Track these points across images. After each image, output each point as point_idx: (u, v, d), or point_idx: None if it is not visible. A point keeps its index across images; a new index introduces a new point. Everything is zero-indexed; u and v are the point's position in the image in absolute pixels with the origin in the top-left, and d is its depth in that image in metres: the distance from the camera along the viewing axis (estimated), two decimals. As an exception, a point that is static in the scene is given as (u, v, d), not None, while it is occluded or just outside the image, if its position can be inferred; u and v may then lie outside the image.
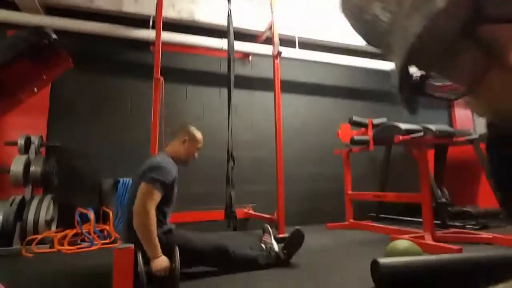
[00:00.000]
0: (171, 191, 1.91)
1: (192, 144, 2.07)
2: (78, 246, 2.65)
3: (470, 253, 1.81)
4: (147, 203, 1.70)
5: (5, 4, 3.32)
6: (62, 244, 2.61)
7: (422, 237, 2.67)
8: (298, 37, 4.34)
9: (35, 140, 3.06)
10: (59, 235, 2.69)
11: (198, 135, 2.12)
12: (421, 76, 0.42)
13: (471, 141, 3.69)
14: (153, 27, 3.51)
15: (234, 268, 1.98)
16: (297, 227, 2.23)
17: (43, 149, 3.26)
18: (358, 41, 4.67)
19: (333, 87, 4.76)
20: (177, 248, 1.73)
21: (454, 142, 3.39)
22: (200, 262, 1.98)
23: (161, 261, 1.69)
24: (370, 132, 3.55)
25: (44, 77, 3.24)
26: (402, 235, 2.81)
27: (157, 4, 3.09)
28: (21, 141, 2.98)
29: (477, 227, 3.30)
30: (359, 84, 4.94)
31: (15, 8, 3.34)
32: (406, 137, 2.94)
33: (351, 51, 4.75)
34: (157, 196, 1.75)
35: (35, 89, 3.23)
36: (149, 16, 3.67)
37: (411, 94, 0.41)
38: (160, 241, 1.76)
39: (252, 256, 2.08)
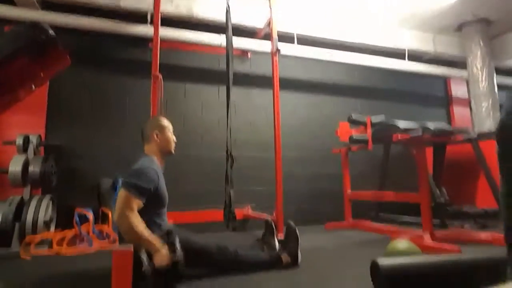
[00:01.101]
0: (156, 193, 1.88)
1: (164, 132, 2.07)
2: (77, 247, 2.63)
3: (469, 253, 1.82)
4: (124, 210, 1.67)
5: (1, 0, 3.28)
6: (61, 245, 2.60)
7: (421, 237, 2.68)
8: (297, 34, 4.31)
9: (33, 139, 3.03)
10: (58, 236, 2.67)
11: (164, 121, 2.13)
12: None
13: (469, 140, 3.70)
14: (151, 23, 3.47)
15: (238, 269, 1.96)
16: (289, 221, 2.22)
17: (41, 149, 3.24)
18: (356, 38, 4.67)
19: (332, 84, 4.75)
20: (177, 238, 1.70)
21: (453, 140, 3.39)
22: (203, 262, 1.95)
23: (162, 255, 1.63)
24: (369, 131, 3.52)
25: (42, 75, 3.21)
26: (401, 235, 2.82)
27: (155, -2, 3.05)
28: (19, 141, 2.95)
29: (476, 227, 3.31)
30: (358, 81, 4.93)
31: (11, 3, 3.29)
32: (405, 135, 2.93)
33: (349, 48, 4.73)
34: (135, 201, 1.72)
35: (33, 87, 3.20)
36: (147, 12, 3.63)
37: None
38: None
39: (255, 256, 2.07)
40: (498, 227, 3.29)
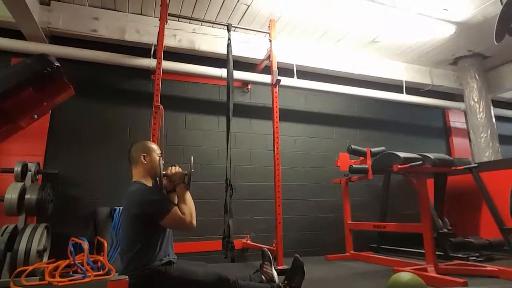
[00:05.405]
0: None
1: (152, 154, 2.04)
2: (70, 278, 2.55)
3: (476, 287, 1.75)
4: (183, 221, 1.78)
5: (11, 33, 3.40)
6: (54, 276, 2.51)
7: (425, 269, 2.60)
8: (296, 65, 4.41)
9: (32, 167, 3.02)
10: (51, 266, 2.58)
11: (151, 144, 2.13)
12: None
13: (470, 170, 3.69)
14: (154, 56, 3.58)
15: None
16: (296, 255, 2.18)
17: (39, 176, 3.22)
18: (355, 70, 4.79)
19: (331, 115, 4.80)
20: (192, 157, 1.95)
21: (453, 170, 3.37)
22: None
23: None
24: (369, 161, 3.54)
25: (45, 104, 3.25)
26: (404, 267, 2.74)
27: (158, 34, 3.17)
28: (17, 168, 2.93)
29: (481, 259, 3.22)
30: (357, 112, 4.98)
31: (21, 36, 3.41)
32: (405, 165, 2.93)
33: (348, 79, 4.84)
34: (175, 209, 1.80)
35: (35, 116, 3.23)
36: (151, 45, 3.74)
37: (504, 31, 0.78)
38: (160, 273, 1.72)
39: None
40: (505, 259, 3.20)
